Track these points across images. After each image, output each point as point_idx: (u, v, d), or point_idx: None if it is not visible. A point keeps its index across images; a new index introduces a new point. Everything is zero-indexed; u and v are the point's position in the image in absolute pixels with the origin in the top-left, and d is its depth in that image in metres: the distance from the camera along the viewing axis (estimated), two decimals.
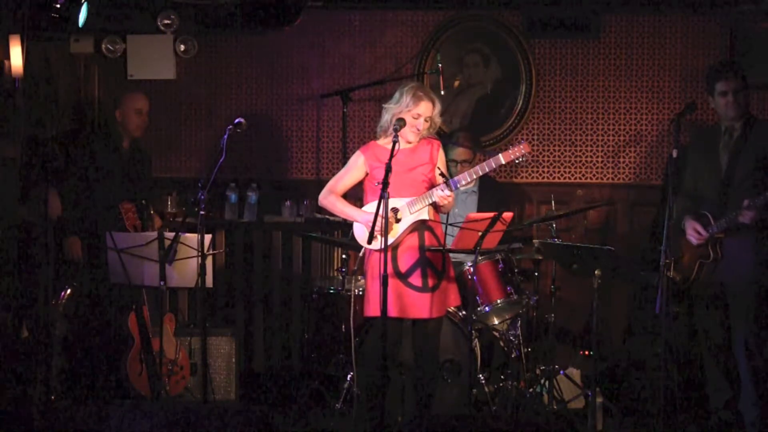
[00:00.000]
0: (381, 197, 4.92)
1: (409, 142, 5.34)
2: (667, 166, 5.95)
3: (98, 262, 6.24)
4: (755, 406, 5.45)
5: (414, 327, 5.41)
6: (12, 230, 6.01)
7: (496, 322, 6.08)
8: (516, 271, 6.06)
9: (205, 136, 7.34)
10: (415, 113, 5.27)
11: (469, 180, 5.30)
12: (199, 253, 5.51)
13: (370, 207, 5.30)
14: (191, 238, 5.67)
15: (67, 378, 6.27)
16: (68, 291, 6.08)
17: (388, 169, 4.95)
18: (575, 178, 7.18)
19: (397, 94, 5.34)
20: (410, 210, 5.26)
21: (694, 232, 5.52)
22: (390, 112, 5.33)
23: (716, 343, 5.63)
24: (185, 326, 6.63)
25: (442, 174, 5.31)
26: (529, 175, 7.21)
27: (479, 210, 6.19)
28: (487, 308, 5.94)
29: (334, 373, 6.20)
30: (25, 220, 6.11)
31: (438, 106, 5.34)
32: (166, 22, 7.06)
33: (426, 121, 5.30)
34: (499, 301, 5.95)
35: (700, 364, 6.20)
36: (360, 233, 5.36)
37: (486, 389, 5.88)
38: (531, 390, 6.05)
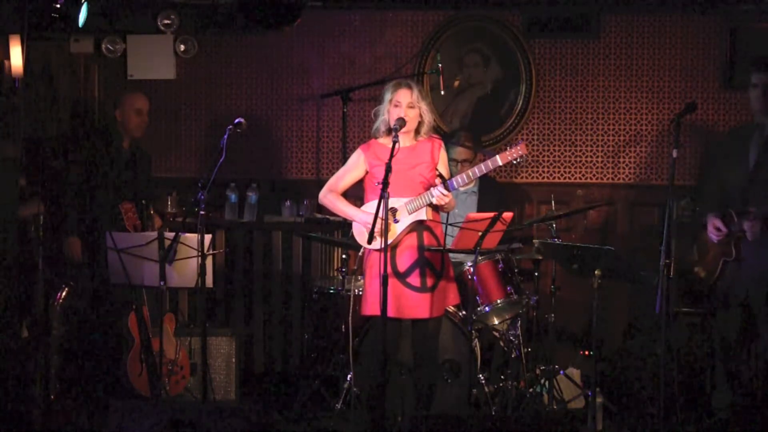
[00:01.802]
0: (381, 197, 4.92)
1: (404, 133, 5.31)
2: (702, 162, 5.94)
3: (98, 262, 6.24)
4: None
5: (413, 327, 5.41)
6: (12, 230, 6.01)
7: (496, 322, 6.08)
8: (516, 271, 6.06)
9: (205, 136, 7.34)
10: (395, 101, 5.30)
11: (466, 181, 5.30)
12: (199, 253, 5.51)
13: (369, 206, 5.30)
14: (191, 238, 5.67)
15: (66, 378, 6.27)
16: (65, 290, 6.07)
17: (388, 169, 4.95)
18: (575, 178, 7.18)
19: (382, 96, 5.39)
20: (408, 210, 5.26)
21: (714, 229, 5.52)
22: (379, 113, 5.38)
23: (731, 345, 5.62)
24: (185, 326, 6.63)
25: (440, 174, 5.31)
26: (529, 175, 7.21)
27: (479, 210, 6.19)
28: (487, 308, 5.94)
29: (334, 373, 6.20)
30: (24, 220, 6.11)
31: (417, 91, 5.33)
32: (166, 22, 7.07)
33: (410, 107, 5.30)
34: (499, 301, 5.94)
35: (701, 365, 6.22)
36: (359, 233, 5.37)
37: (486, 389, 5.88)
38: (531, 390, 6.04)
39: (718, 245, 5.54)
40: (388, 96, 5.33)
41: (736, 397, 5.64)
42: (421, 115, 5.35)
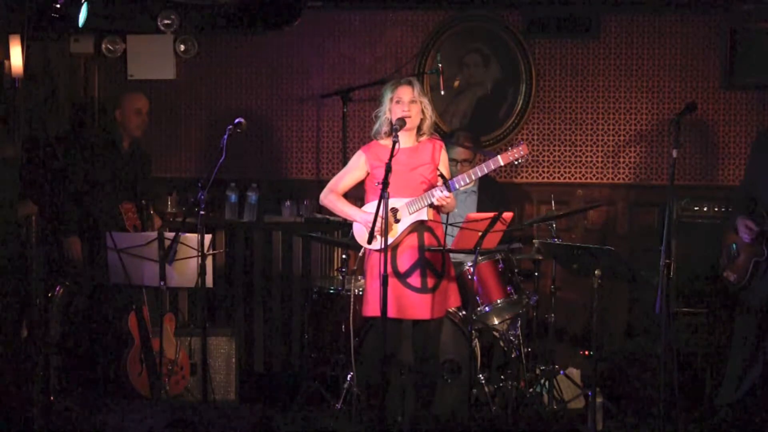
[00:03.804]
0: (381, 197, 4.93)
1: (408, 129, 5.32)
2: (747, 166, 5.92)
3: (98, 262, 6.24)
4: None
5: (414, 328, 5.41)
6: (12, 230, 6.00)
7: (496, 322, 6.08)
8: (516, 271, 6.06)
9: (205, 136, 7.34)
10: (396, 98, 5.31)
11: (467, 182, 5.31)
12: (199, 253, 5.51)
13: (370, 207, 5.31)
14: (191, 238, 5.67)
15: (65, 377, 6.27)
16: (59, 290, 6.07)
17: (388, 169, 4.95)
18: (575, 178, 7.18)
19: (381, 97, 5.40)
20: (409, 210, 5.26)
21: (745, 228, 5.52)
22: (380, 113, 5.38)
23: (750, 349, 5.60)
24: (185, 326, 6.63)
25: (441, 175, 5.31)
26: (529, 175, 7.21)
27: (479, 210, 6.20)
28: (487, 308, 5.94)
29: (334, 373, 6.20)
30: (23, 220, 6.10)
31: (417, 87, 5.34)
32: (166, 22, 7.06)
33: (412, 102, 5.30)
34: (499, 301, 5.94)
35: (701, 365, 6.22)
36: (360, 233, 5.37)
37: (486, 389, 5.88)
38: (531, 390, 6.05)
39: (751, 247, 5.53)
40: (388, 95, 5.34)
41: (740, 397, 5.64)
42: (423, 111, 5.35)
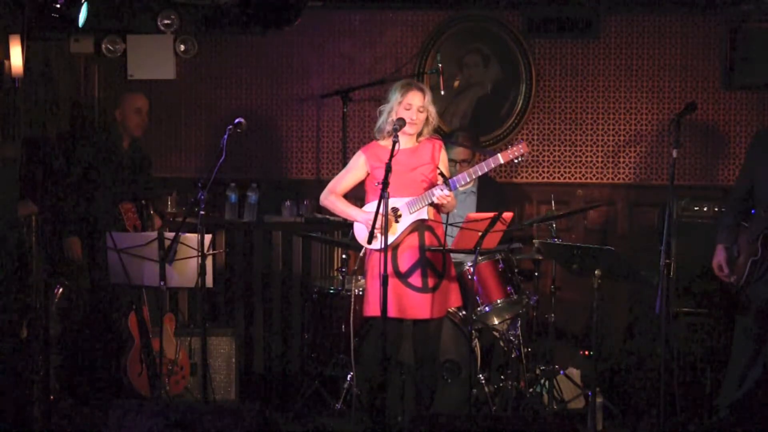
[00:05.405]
0: (381, 197, 4.93)
1: (409, 134, 5.32)
2: (745, 166, 5.92)
3: (98, 262, 6.24)
4: None
5: (415, 327, 5.41)
6: (12, 230, 6.00)
7: (496, 322, 6.08)
8: (516, 271, 6.06)
9: (205, 136, 7.34)
10: (406, 104, 5.28)
11: (468, 180, 5.31)
12: (199, 253, 5.51)
13: (370, 207, 5.31)
14: (191, 238, 5.67)
15: (64, 377, 6.27)
16: (59, 290, 6.07)
17: (388, 169, 4.95)
18: (575, 178, 7.18)
19: (388, 94, 5.37)
20: (410, 210, 5.26)
21: (717, 268, 5.55)
22: (384, 112, 5.36)
23: (751, 349, 5.60)
24: (185, 326, 6.63)
25: (441, 174, 5.31)
26: (529, 175, 7.21)
27: (478, 210, 6.20)
28: (487, 308, 5.93)
29: (334, 373, 6.20)
30: (23, 220, 6.11)
31: (428, 95, 5.33)
32: (166, 22, 7.06)
33: (420, 111, 5.29)
34: (499, 301, 5.94)
35: (701, 365, 6.22)
36: (360, 233, 5.37)
37: (486, 389, 5.88)
38: (531, 390, 6.05)
39: (748, 245, 5.53)
40: (397, 97, 5.31)
41: (740, 397, 5.64)
42: (427, 118, 5.36)
